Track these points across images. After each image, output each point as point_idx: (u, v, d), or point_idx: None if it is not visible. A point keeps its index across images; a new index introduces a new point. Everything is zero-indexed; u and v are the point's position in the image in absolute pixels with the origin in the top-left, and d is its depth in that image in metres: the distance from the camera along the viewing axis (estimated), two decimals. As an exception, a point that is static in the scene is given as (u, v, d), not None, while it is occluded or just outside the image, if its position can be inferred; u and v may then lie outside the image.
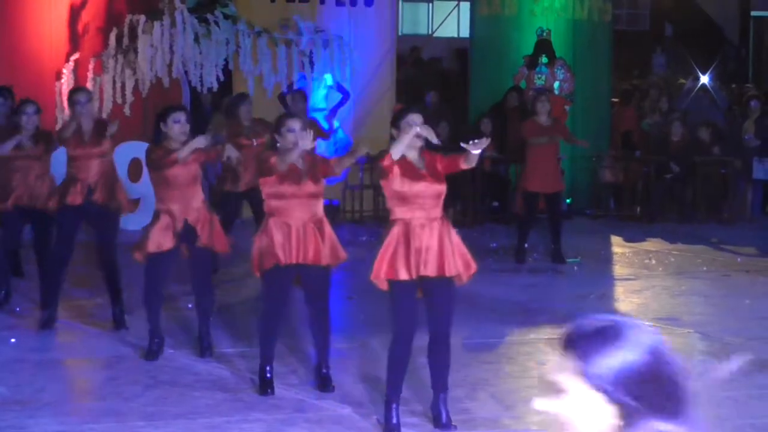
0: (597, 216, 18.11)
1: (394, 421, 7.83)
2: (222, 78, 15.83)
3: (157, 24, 15.45)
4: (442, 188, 7.86)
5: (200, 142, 9.18)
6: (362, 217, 17.08)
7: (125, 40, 15.62)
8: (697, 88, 21.13)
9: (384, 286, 7.81)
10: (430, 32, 27.95)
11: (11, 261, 11.81)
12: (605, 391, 2.35)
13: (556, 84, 18.45)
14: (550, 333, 10.59)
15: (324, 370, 8.76)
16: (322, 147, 15.82)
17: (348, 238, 15.09)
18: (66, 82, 15.59)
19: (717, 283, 13.41)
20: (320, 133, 15.13)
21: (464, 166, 7.92)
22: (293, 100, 15.73)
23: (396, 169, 7.78)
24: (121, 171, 13.19)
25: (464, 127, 17.50)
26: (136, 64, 15.53)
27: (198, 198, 9.48)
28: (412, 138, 7.76)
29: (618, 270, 14.24)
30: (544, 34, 18.40)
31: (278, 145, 8.54)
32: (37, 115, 10.83)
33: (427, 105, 18.01)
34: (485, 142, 7.74)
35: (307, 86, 16.49)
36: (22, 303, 11.40)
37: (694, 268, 14.20)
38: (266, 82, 16.07)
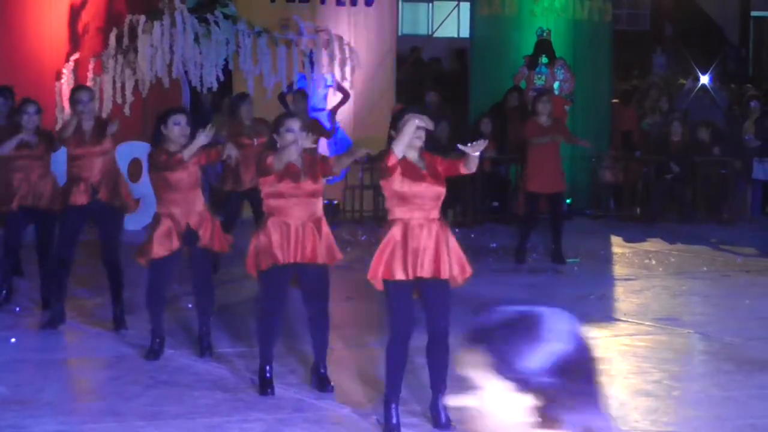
0: (597, 216, 18.11)
1: (394, 421, 7.83)
2: (222, 78, 15.83)
3: (157, 24, 15.45)
4: (441, 190, 7.87)
5: (203, 139, 9.16)
6: (362, 217, 17.08)
7: (125, 40, 15.62)
8: (697, 89, 21.13)
9: (380, 286, 7.83)
10: (430, 32, 27.96)
11: (11, 260, 11.81)
12: (525, 381, 2.32)
13: (556, 84, 18.45)
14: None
15: (322, 370, 8.76)
16: (323, 146, 15.82)
17: (348, 238, 15.11)
18: (66, 82, 15.59)
19: (717, 283, 13.41)
20: (323, 132, 15.15)
21: (464, 170, 7.93)
22: (294, 100, 15.74)
23: (398, 169, 7.79)
24: (121, 171, 13.19)
25: (464, 127, 17.50)
26: (136, 64, 15.52)
27: (200, 201, 9.49)
28: (412, 136, 7.76)
29: (618, 270, 14.24)
30: (545, 34, 18.40)
31: (278, 145, 8.54)
32: (38, 115, 10.83)
33: (427, 105, 18.00)
34: (483, 144, 7.76)
35: (307, 86, 16.48)
36: (22, 303, 11.40)
37: (694, 268, 14.20)
38: (266, 82, 16.06)
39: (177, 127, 9.35)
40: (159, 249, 9.30)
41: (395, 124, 7.92)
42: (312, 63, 16.53)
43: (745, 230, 17.08)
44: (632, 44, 26.02)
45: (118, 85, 15.60)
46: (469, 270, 7.95)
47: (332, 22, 17.18)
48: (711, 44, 27.19)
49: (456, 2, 27.22)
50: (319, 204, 8.63)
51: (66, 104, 14.40)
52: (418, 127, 7.78)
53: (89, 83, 15.11)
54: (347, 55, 16.61)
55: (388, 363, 7.86)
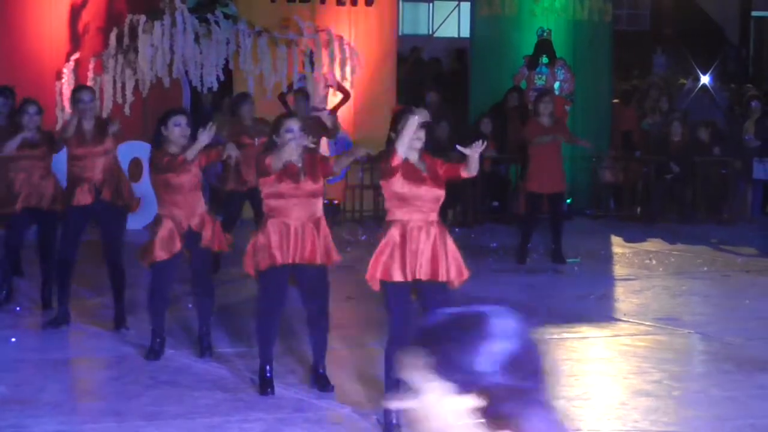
0: (597, 216, 18.11)
1: (394, 421, 7.84)
2: (222, 78, 15.83)
3: (157, 24, 15.45)
4: (441, 193, 7.89)
5: (204, 138, 9.15)
6: (362, 217, 17.08)
7: (125, 40, 15.62)
8: (697, 89, 21.13)
9: (376, 286, 7.84)
10: (430, 32, 27.96)
11: (12, 260, 11.81)
12: (470, 382, 2.30)
13: (557, 84, 18.46)
14: (550, 333, 10.59)
15: (321, 370, 8.76)
16: (324, 146, 15.81)
17: (348, 238, 15.11)
18: (66, 82, 15.59)
19: (717, 283, 13.41)
20: (325, 131, 15.14)
21: (465, 174, 7.96)
22: (295, 99, 15.74)
23: (399, 171, 7.80)
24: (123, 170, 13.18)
25: (464, 127, 17.50)
26: (136, 64, 15.53)
27: (201, 203, 9.49)
28: (413, 135, 7.76)
29: (618, 270, 14.24)
30: (545, 34, 18.41)
31: (277, 145, 8.54)
32: (39, 116, 10.83)
33: (427, 105, 17.99)
34: (481, 146, 7.77)
35: (307, 85, 16.48)
36: (23, 303, 11.40)
37: (694, 268, 14.21)
38: (266, 82, 16.07)
39: (177, 128, 9.35)
40: (161, 252, 9.31)
41: (395, 125, 7.93)
42: (312, 63, 16.54)
43: (745, 230, 17.08)
44: (632, 44, 26.01)
45: (119, 84, 15.60)
46: (466, 273, 7.98)
47: (332, 22, 17.18)
48: (711, 44, 27.18)
49: (456, 2, 27.22)
50: (319, 204, 8.63)
51: (66, 104, 14.41)
52: (419, 126, 7.78)
53: (89, 83, 15.11)
54: (347, 55, 16.62)
55: (387, 363, 7.87)
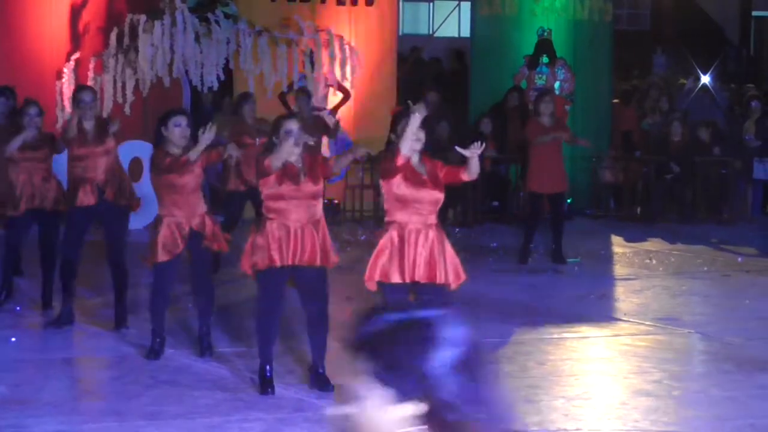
0: (597, 216, 18.11)
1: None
2: (222, 77, 15.83)
3: (157, 23, 15.45)
4: (440, 196, 7.91)
5: (207, 139, 9.14)
6: (362, 217, 17.08)
7: (126, 40, 15.61)
8: (697, 89, 21.12)
9: (373, 287, 7.84)
10: (430, 32, 27.95)
11: (12, 260, 11.81)
12: (413, 389, 2.25)
13: (557, 84, 18.46)
14: (550, 333, 10.60)
15: (320, 370, 8.76)
16: (325, 146, 15.81)
17: (348, 238, 15.11)
18: (67, 82, 15.59)
19: (717, 283, 13.41)
20: (326, 130, 15.12)
21: (465, 177, 7.97)
22: (297, 99, 15.73)
23: (400, 172, 7.80)
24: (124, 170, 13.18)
25: (464, 127, 17.50)
26: (136, 64, 15.52)
27: (201, 204, 9.49)
28: (414, 134, 7.76)
29: (618, 270, 14.24)
30: (545, 34, 18.41)
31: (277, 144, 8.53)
32: (39, 117, 10.83)
33: (426, 105, 17.96)
34: (479, 147, 7.78)
35: (307, 85, 16.47)
36: (22, 303, 11.40)
37: (694, 268, 14.20)
38: (267, 82, 16.07)
39: (178, 129, 9.34)
40: (164, 254, 9.31)
41: (395, 126, 7.94)
42: (312, 63, 16.53)
43: (745, 230, 17.08)
44: (632, 44, 26.00)
45: (119, 84, 15.59)
46: (463, 276, 8.00)
47: (332, 22, 17.18)
48: (711, 44, 27.18)
49: (456, 2, 27.22)
50: (319, 206, 8.62)
51: (67, 104, 14.40)
52: (419, 126, 7.79)
53: (90, 83, 15.11)
54: (347, 55, 16.62)
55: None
